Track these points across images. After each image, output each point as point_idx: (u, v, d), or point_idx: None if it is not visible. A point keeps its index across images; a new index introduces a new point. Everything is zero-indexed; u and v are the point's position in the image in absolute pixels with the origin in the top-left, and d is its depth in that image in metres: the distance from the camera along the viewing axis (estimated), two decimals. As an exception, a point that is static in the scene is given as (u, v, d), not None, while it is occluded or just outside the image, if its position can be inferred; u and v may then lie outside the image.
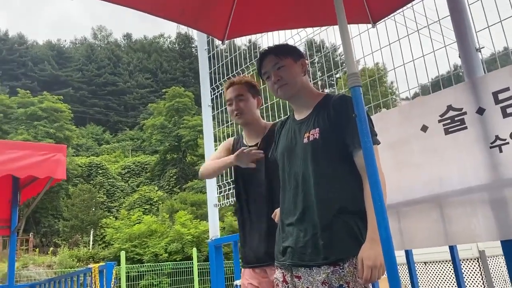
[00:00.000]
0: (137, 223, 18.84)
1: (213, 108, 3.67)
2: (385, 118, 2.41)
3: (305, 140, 1.81)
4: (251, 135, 2.45)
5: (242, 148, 2.20)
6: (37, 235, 22.90)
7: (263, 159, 2.27)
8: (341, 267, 1.63)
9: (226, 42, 2.70)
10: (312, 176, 1.75)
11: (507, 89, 1.98)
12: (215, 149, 3.04)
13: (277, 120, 2.84)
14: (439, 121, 2.18)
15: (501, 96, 1.99)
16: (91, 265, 5.03)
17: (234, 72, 3.61)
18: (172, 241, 16.55)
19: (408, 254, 2.30)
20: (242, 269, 2.40)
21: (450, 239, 2.09)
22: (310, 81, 2.10)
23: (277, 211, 2.02)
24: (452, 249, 2.23)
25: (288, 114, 2.19)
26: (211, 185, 3.49)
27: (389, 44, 2.62)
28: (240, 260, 2.44)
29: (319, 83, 3.49)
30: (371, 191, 1.47)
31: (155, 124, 31.65)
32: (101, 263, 4.86)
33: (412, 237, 2.22)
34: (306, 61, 2.00)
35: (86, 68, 52.23)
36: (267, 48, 2.05)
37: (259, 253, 2.23)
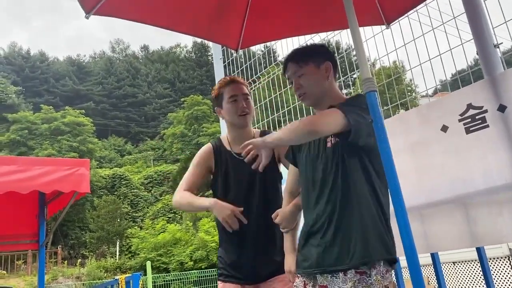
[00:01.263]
0: (162, 232, 19.01)
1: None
2: (404, 120, 2.39)
3: (326, 146, 1.79)
4: (240, 140, 2.07)
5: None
6: (65, 247, 23.30)
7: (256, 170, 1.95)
8: (367, 275, 1.59)
9: (240, 51, 2.72)
10: (338, 180, 1.72)
11: (529, 85, 1.94)
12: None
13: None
14: (459, 120, 2.14)
15: (522, 92, 1.96)
16: (118, 276, 5.11)
17: (250, 79, 3.63)
18: (196, 249, 16.61)
19: (434, 257, 2.26)
20: (224, 283, 2.14)
21: (476, 240, 2.05)
22: (339, 81, 2.03)
23: (279, 211, 1.94)
24: (479, 250, 2.18)
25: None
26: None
27: (404, 44, 2.60)
28: (222, 275, 2.17)
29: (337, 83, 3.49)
30: (392, 197, 1.45)
31: (175, 133, 31.97)
32: (128, 274, 4.92)
33: (436, 239, 2.18)
34: (330, 62, 1.87)
35: (106, 82, 53.16)
36: (290, 53, 1.96)
37: (254, 268, 2.09)
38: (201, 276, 13.00)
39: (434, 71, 2.64)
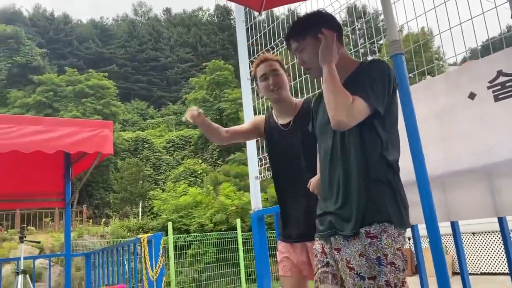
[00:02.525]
0: (183, 195, 19.35)
1: (252, 81, 3.65)
2: (430, 86, 2.32)
3: None
4: (283, 112, 2.42)
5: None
6: (90, 207, 24.06)
7: (300, 136, 2.25)
8: (378, 239, 1.60)
9: (264, 13, 2.66)
10: (344, 149, 1.73)
11: None
12: None
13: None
14: (488, 87, 2.07)
15: (558, 59, 1.87)
16: (140, 235, 5.25)
17: (273, 43, 3.56)
18: (217, 212, 16.91)
19: (454, 225, 2.24)
20: (279, 241, 2.42)
21: (499, 210, 2.01)
22: (364, 47, 1.99)
23: (312, 180, 2.01)
24: (501, 220, 2.15)
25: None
26: (252, 157, 3.50)
27: (434, 7, 2.48)
28: (279, 234, 2.45)
29: (362, 50, 3.38)
30: (414, 163, 1.42)
31: (197, 98, 32.00)
32: (150, 234, 5.06)
33: (458, 208, 2.16)
34: (331, 31, 1.78)
35: (129, 45, 53.15)
36: (288, 30, 1.96)
37: (298, 229, 2.24)
38: (221, 238, 13.29)
39: (464, 37, 2.53)
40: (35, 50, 35.25)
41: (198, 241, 13.34)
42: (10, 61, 32.55)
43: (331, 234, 1.73)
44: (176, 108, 42.73)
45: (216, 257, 12.73)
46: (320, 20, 1.85)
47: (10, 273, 9.59)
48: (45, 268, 10.41)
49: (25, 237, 3.81)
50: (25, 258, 7.43)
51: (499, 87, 2.03)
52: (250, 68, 3.67)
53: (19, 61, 32.65)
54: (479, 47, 2.51)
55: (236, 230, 12.53)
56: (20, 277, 3.15)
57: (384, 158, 1.67)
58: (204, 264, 12.81)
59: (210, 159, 29.55)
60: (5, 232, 17.83)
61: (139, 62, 50.48)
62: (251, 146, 3.52)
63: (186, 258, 13.16)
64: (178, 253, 12.40)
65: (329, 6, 3.05)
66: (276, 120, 2.45)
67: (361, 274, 1.61)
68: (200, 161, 28.58)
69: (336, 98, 1.62)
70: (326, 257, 1.78)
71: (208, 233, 14.52)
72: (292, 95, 2.58)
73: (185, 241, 13.10)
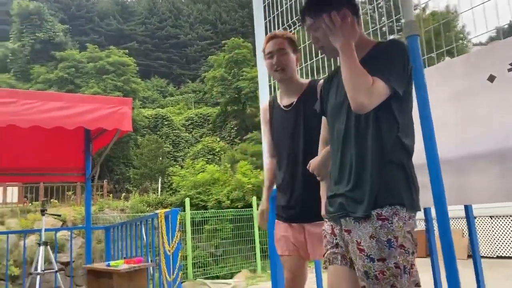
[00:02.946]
0: (201, 171, 19.56)
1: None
2: (448, 68, 2.27)
3: None
4: (288, 93, 2.37)
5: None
6: (110, 181, 24.56)
7: (301, 117, 2.23)
8: (390, 222, 1.60)
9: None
10: (358, 130, 1.70)
11: None
12: None
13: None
14: (509, 70, 2.01)
15: None
16: (158, 211, 5.34)
17: (290, 21, 3.50)
18: (233, 189, 17.08)
19: (468, 209, 2.22)
20: (277, 220, 2.41)
21: (514, 195, 1.99)
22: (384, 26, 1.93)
23: (312, 161, 1.99)
24: None
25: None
26: (267, 136, 3.49)
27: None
28: (277, 215, 2.44)
29: (383, 29, 3.29)
30: (426, 146, 1.40)
31: (216, 76, 31.93)
32: (167, 209, 5.15)
33: (473, 192, 2.13)
34: (346, 9, 1.75)
35: (149, 22, 53.06)
36: (304, 5, 1.90)
37: (296, 209, 2.24)
38: (237, 215, 13.44)
39: (489, 16, 2.43)
40: (57, 27, 35.51)
41: (215, 217, 13.55)
42: (33, 37, 32.87)
43: (342, 215, 1.72)
44: (195, 86, 42.82)
45: (232, 233, 12.92)
46: (333, 3, 1.77)
47: (34, 243, 9.92)
48: (67, 240, 10.74)
49: (46, 210, 3.92)
50: (47, 230, 7.67)
51: (520, 69, 1.98)
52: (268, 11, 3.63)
53: (42, 37, 32.96)
54: (506, 26, 2.42)
55: (252, 207, 12.67)
56: (42, 248, 3.26)
57: (400, 141, 1.65)
58: (221, 240, 13.03)
59: (228, 137, 29.68)
60: (30, 204, 18.41)
61: (159, 39, 50.47)
62: (263, 121, 3.50)
63: (203, 233, 13.38)
64: (195, 229, 12.64)
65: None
66: (279, 102, 2.42)
67: (371, 256, 1.61)
68: (218, 139, 28.74)
69: (356, 79, 1.58)
70: (336, 238, 1.79)
71: (224, 210, 14.69)
72: (310, 75, 2.55)
73: (202, 217, 13.31)
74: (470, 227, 2.20)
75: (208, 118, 32.98)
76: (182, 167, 23.37)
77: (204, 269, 11.50)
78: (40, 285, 3.19)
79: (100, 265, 5.65)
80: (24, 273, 3.34)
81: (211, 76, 32.79)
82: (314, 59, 3.16)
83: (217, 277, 10.84)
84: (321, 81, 2.18)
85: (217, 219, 13.53)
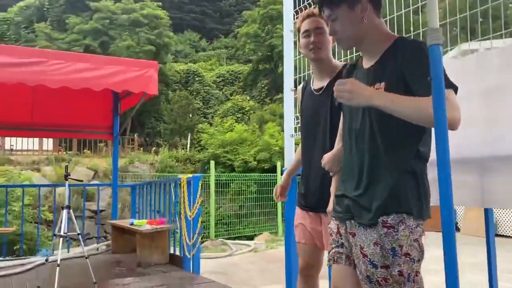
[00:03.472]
0: (230, 130, 19.71)
1: (295, 34, 3.48)
2: (483, 60, 2.12)
3: None
4: (320, 74, 2.32)
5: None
6: (141, 135, 25.11)
7: (328, 103, 2.17)
8: (395, 230, 1.57)
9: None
10: (376, 133, 1.64)
11: None
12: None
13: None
14: (549, 69, 1.87)
15: None
16: (181, 176, 5.44)
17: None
18: (261, 150, 17.15)
19: (488, 212, 2.14)
20: (297, 206, 2.42)
21: (540, 203, 1.90)
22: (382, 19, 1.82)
23: (325, 156, 1.95)
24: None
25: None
26: (289, 114, 3.43)
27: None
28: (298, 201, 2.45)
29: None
30: (437, 146, 1.32)
31: (249, 32, 31.39)
32: (191, 175, 5.23)
33: (495, 194, 2.03)
34: (367, 1, 1.69)
35: (184, -27, 52.18)
36: None
37: (314, 197, 2.22)
38: (262, 179, 13.53)
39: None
40: (92, -24, 35.35)
41: (240, 178, 13.72)
42: (68, -14, 33.01)
43: (348, 218, 1.72)
44: (227, 41, 42.32)
45: (256, 196, 13.10)
46: None
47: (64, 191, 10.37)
48: (102, 189, 11.18)
49: (69, 175, 4.06)
50: (77, 186, 8.01)
51: (561, 69, 1.83)
52: (294, 19, 3.50)
53: (77, -13, 33.04)
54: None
55: (276, 172, 12.73)
56: (65, 211, 3.38)
57: (416, 148, 1.61)
58: (244, 202, 13.24)
59: (258, 97, 29.50)
60: (64, 153, 19.18)
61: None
62: (288, 102, 3.44)
63: (228, 193, 13.63)
64: (220, 190, 12.87)
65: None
66: (312, 84, 2.38)
67: (374, 262, 1.60)
68: (248, 98, 28.64)
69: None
70: (341, 238, 1.78)
71: (250, 171, 14.87)
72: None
73: (226, 179, 13.51)
74: (489, 231, 2.12)
75: (239, 75, 32.77)
76: (211, 124, 23.59)
77: (226, 229, 11.82)
78: (62, 246, 3.32)
79: (124, 223, 5.89)
80: (55, 219, 3.50)
81: (245, 32, 32.28)
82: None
83: (239, 238, 11.11)
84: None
85: (243, 180, 13.70)
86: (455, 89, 1.55)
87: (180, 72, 30.70)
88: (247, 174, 14.54)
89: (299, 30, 2.35)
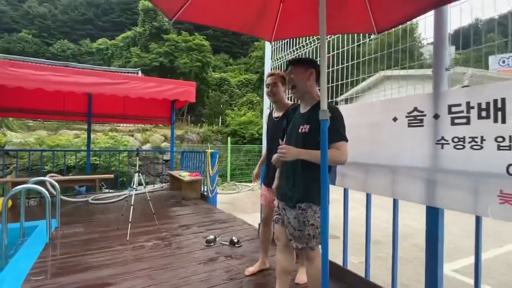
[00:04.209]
0: (243, 115, 19.57)
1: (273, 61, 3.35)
2: (370, 107, 2.07)
3: (299, 131, 1.66)
4: (277, 108, 2.28)
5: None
6: (192, 116, 24.97)
7: (281, 126, 2.07)
8: (305, 211, 1.61)
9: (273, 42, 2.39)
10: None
11: (459, 105, 1.57)
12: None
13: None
14: (406, 116, 1.84)
15: (453, 109, 1.59)
16: (208, 150, 5.49)
17: (289, 50, 3.22)
18: (260, 128, 17.04)
19: (368, 196, 2.16)
20: (263, 184, 2.40)
21: (395, 193, 1.90)
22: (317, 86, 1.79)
23: (274, 156, 1.87)
24: (395, 203, 2.03)
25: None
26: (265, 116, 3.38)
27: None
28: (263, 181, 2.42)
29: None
30: (322, 168, 1.34)
31: (258, 55, 30.52)
32: (212, 150, 5.26)
33: (371, 184, 2.05)
34: (314, 70, 1.68)
35: (220, 17, 50.01)
36: (290, 59, 1.80)
37: (272, 181, 2.17)
38: (260, 145, 13.40)
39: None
40: (165, 19, 34.13)
41: (247, 150, 13.61)
42: (151, 25, 31.94)
43: (282, 200, 1.75)
44: (245, 60, 41.03)
45: (257, 155, 13.03)
46: (311, 62, 1.73)
47: (142, 154, 10.28)
48: (166, 147, 11.26)
49: (139, 151, 4.07)
50: (143, 151, 8.08)
51: (413, 118, 1.80)
52: (272, 55, 3.39)
53: (156, 26, 31.94)
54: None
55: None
56: (136, 174, 3.44)
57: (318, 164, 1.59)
58: (250, 158, 13.19)
59: (262, 95, 28.89)
60: (147, 126, 19.12)
61: (225, 29, 47.83)
62: (264, 121, 3.39)
63: (241, 152, 13.58)
64: (236, 151, 12.82)
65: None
66: (274, 114, 2.33)
67: (294, 227, 1.66)
68: (256, 95, 28.15)
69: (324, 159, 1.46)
70: (279, 209, 1.82)
71: (254, 142, 14.75)
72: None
73: (237, 150, 13.39)
74: (368, 212, 2.15)
75: (251, 81, 32.04)
76: (233, 110, 23.35)
77: (239, 172, 11.86)
78: (133, 196, 3.39)
79: (176, 173, 5.99)
80: (133, 182, 3.55)
81: (255, 55, 31.40)
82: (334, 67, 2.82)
83: (245, 181, 11.19)
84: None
85: (248, 151, 13.61)
86: (346, 140, 1.53)
87: (216, 78, 30.06)
88: (251, 144, 14.46)
89: (265, 83, 2.29)
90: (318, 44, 2.65)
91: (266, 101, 3.31)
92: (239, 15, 2.04)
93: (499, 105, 1.40)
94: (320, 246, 1.64)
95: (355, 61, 2.30)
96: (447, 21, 1.68)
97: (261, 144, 13.80)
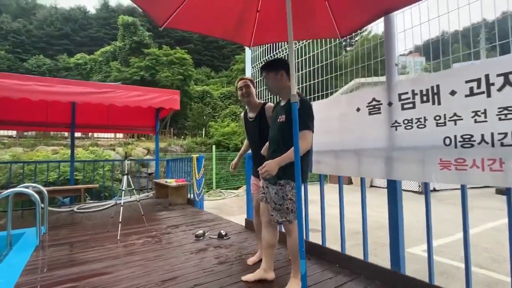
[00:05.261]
0: (227, 126, 19.74)
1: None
2: (338, 100, 2.38)
3: (278, 120, 1.91)
4: (251, 109, 2.39)
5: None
6: (175, 129, 24.86)
7: (257, 126, 2.29)
8: (284, 187, 1.82)
9: (252, 48, 2.68)
10: (280, 141, 1.88)
11: (407, 93, 1.90)
12: None
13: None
14: (367, 106, 2.15)
15: (402, 96, 1.92)
16: (193, 155, 5.63)
17: (262, 59, 3.52)
18: (244, 138, 17.25)
19: (340, 178, 2.43)
20: (252, 176, 2.54)
21: (361, 172, 2.17)
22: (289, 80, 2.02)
23: (264, 148, 2.14)
24: (362, 181, 2.30)
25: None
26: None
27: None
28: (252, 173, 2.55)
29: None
30: (295, 149, 1.58)
31: (239, 68, 31.20)
32: (198, 155, 5.41)
33: (342, 167, 2.31)
34: (284, 70, 1.90)
35: (201, 31, 50.72)
36: (263, 64, 2.00)
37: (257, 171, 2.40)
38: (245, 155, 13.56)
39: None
40: (145, 33, 34.30)
41: (230, 156, 13.77)
42: (131, 40, 31.96)
43: (266, 180, 1.96)
44: (227, 73, 41.63)
45: (242, 164, 13.14)
46: (281, 63, 1.93)
47: (131, 163, 10.26)
48: (150, 160, 11.21)
49: (128, 156, 4.16)
50: (133, 160, 8.08)
51: (372, 107, 2.11)
52: (251, 70, 3.67)
53: (136, 40, 32.00)
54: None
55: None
56: (125, 176, 3.54)
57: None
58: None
59: (244, 106, 29.21)
60: (130, 138, 18.82)
61: (206, 43, 48.45)
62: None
63: (226, 162, 13.67)
64: (222, 161, 12.90)
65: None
66: (249, 115, 2.45)
67: (275, 202, 1.87)
68: (238, 106, 28.48)
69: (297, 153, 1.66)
70: (264, 189, 2.03)
71: (237, 151, 14.92)
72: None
73: (221, 156, 13.49)
74: (363, 184, 2.41)
75: (233, 93, 32.34)
76: (216, 122, 23.48)
77: (224, 182, 11.95)
78: (124, 195, 3.49)
79: (161, 181, 6.06)
80: (122, 179, 3.62)
81: (236, 68, 31.97)
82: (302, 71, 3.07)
83: (230, 188, 11.26)
84: (270, 104, 2.31)
85: (232, 157, 13.76)
86: (310, 129, 1.74)
87: (198, 91, 30.19)
88: (236, 152, 14.62)
89: (236, 88, 2.40)
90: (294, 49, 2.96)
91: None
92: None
93: (435, 91, 1.74)
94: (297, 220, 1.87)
95: (333, 74, 2.60)
96: (394, 25, 2.04)
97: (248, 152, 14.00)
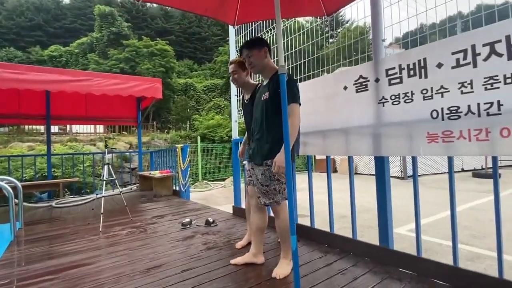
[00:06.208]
0: (211, 119, 19.50)
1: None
2: (325, 80, 2.35)
3: (262, 99, 1.86)
4: (247, 91, 2.31)
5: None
6: (158, 122, 24.29)
7: (251, 107, 2.20)
8: (270, 167, 1.79)
9: (236, 26, 2.58)
10: (264, 119, 1.83)
11: (394, 68, 1.88)
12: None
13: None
14: (354, 84, 2.12)
15: (389, 72, 1.90)
16: (177, 145, 5.50)
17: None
18: (230, 130, 17.15)
19: (327, 159, 2.42)
20: (247, 159, 2.50)
21: (349, 151, 2.16)
22: (272, 59, 1.98)
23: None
24: (350, 159, 2.29)
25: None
26: (234, 110, 3.57)
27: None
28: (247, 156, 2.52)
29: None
30: (284, 130, 1.54)
31: (222, 60, 30.74)
32: (182, 145, 5.28)
33: (329, 147, 2.29)
34: (266, 48, 1.86)
35: (182, 23, 49.21)
36: (244, 43, 1.93)
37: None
38: (230, 147, 13.49)
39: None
40: (123, 24, 32.96)
41: (217, 147, 13.67)
42: (108, 31, 30.62)
43: (251, 160, 1.92)
44: (210, 65, 40.94)
45: (228, 156, 13.10)
46: (263, 41, 1.88)
47: (110, 156, 9.91)
48: (133, 155, 10.90)
49: (108, 146, 4.00)
50: (115, 153, 7.83)
51: (359, 84, 2.09)
52: (235, 56, 3.57)
53: (114, 31, 30.69)
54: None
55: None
56: (106, 166, 3.39)
57: (280, 128, 1.76)
58: (221, 159, 13.22)
59: (229, 98, 28.97)
60: (111, 133, 18.25)
61: (188, 35, 47.35)
62: (233, 103, 3.57)
63: (212, 154, 13.54)
64: (207, 153, 12.77)
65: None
66: (245, 98, 2.36)
67: (261, 183, 1.83)
68: (223, 99, 28.22)
69: (293, 133, 1.67)
70: (250, 171, 1.99)
71: (224, 142, 14.81)
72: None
73: (206, 148, 13.38)
74: (351, 171, 2.40)
75: (217, 86, 32.03)
76: (201, 115, 23.16)
77: (210, 175, 11.86)
78: (105, 188, 3.33)
79: (145, 173, 5.89)
80: (103, 173, 3.47)
81: (220, 60, 31.51)
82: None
83: (217, 180, 11.19)
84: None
85: (219, 148, 13.66)
86: (297, 102, 1.69)
87: (181, 84, 29.57)
88: (222, 144, 14.52)
89: (228, 69, 2.33)
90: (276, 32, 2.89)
91: (233, 89, 3.49)
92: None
93: (422, 64, 1.73)
94: (286, 201, 1.84)
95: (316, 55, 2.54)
96: (380, 1, 2.00)
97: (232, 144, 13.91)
